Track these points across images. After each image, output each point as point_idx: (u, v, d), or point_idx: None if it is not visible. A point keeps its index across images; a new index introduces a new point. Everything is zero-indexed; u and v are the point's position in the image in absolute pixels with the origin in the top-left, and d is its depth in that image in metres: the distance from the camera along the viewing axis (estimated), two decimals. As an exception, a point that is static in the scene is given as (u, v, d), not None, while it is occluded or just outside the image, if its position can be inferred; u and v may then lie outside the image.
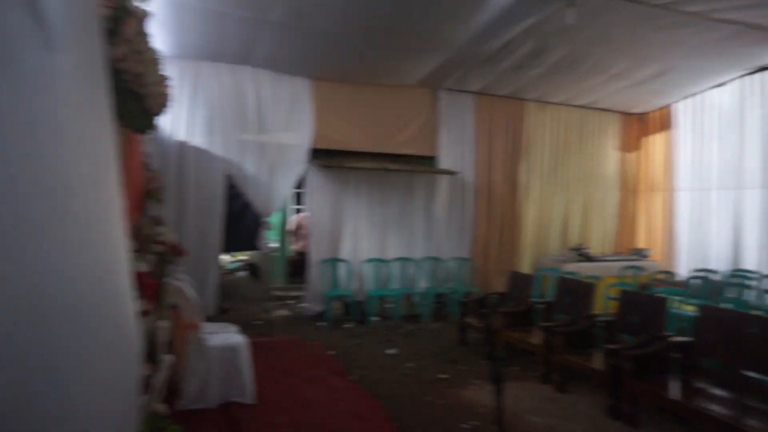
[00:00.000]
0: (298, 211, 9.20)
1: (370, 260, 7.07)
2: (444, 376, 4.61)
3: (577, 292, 4.98)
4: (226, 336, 3.70)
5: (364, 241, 7.09)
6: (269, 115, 6.50)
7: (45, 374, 1.13)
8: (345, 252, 6.99)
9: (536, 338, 4.59)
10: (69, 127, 1.13)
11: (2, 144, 0.96)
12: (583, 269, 6.94)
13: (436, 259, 7.40)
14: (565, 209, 8.30)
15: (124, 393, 1.29)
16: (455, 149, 7.55)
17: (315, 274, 6.80)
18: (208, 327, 3.80)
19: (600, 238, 8.57)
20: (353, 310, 6.83)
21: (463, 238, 7.58)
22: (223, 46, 5.73)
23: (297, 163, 6.65)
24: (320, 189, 6.88)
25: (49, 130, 1.09)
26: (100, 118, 1.20)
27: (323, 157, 6.76)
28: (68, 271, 1.11)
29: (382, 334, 6.14)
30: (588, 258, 7.62)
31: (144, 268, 3.06)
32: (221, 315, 6.28)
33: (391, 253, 7.23)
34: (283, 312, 7.21)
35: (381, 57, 6.13)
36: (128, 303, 1.25)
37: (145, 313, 2.88)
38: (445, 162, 7.47)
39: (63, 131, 1.11)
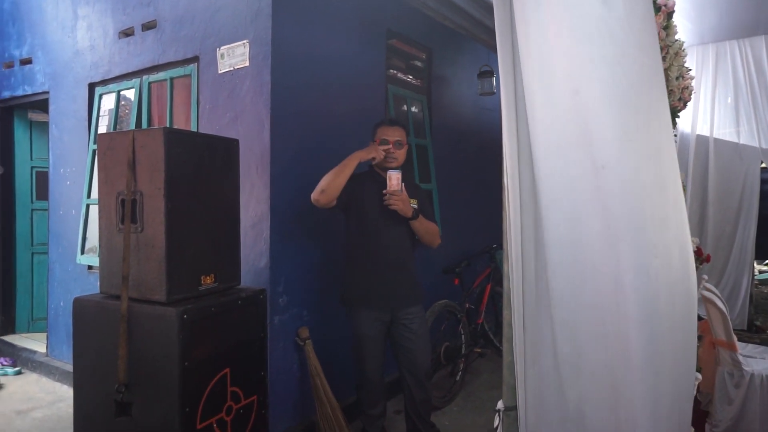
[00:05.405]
0: None
1: None
2: None
3: None
4: (772, 364, 3.03)
5: None
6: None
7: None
8: None
9: None
10: (635, 132, 1.14)
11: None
12: None
13: None
14: None
15: (681, 409, 1.20)
16: None
17: None
18: (747, 349, 3.23)
19: None
20: None
21: None
22: (758, 15, 4.83)
23: None
24: None
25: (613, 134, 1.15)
26: (663, 117, 1.17)
27: None
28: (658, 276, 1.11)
29: None
30: None
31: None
32: (753, 334, 5.35)
33: None
34: None
35: None
36: (694, 311, 1.16)
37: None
38: None
39: (627, 135, 1.13)
